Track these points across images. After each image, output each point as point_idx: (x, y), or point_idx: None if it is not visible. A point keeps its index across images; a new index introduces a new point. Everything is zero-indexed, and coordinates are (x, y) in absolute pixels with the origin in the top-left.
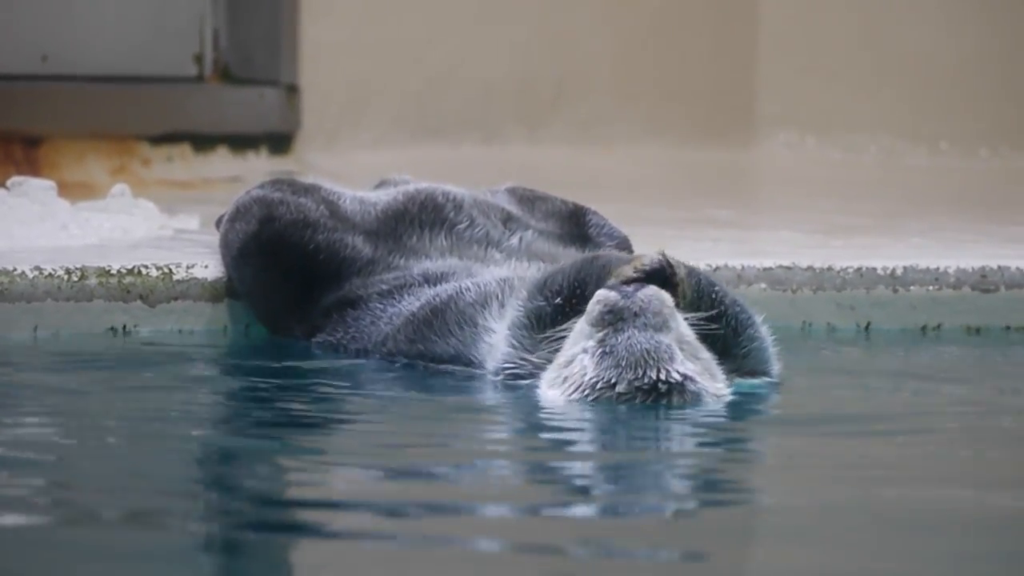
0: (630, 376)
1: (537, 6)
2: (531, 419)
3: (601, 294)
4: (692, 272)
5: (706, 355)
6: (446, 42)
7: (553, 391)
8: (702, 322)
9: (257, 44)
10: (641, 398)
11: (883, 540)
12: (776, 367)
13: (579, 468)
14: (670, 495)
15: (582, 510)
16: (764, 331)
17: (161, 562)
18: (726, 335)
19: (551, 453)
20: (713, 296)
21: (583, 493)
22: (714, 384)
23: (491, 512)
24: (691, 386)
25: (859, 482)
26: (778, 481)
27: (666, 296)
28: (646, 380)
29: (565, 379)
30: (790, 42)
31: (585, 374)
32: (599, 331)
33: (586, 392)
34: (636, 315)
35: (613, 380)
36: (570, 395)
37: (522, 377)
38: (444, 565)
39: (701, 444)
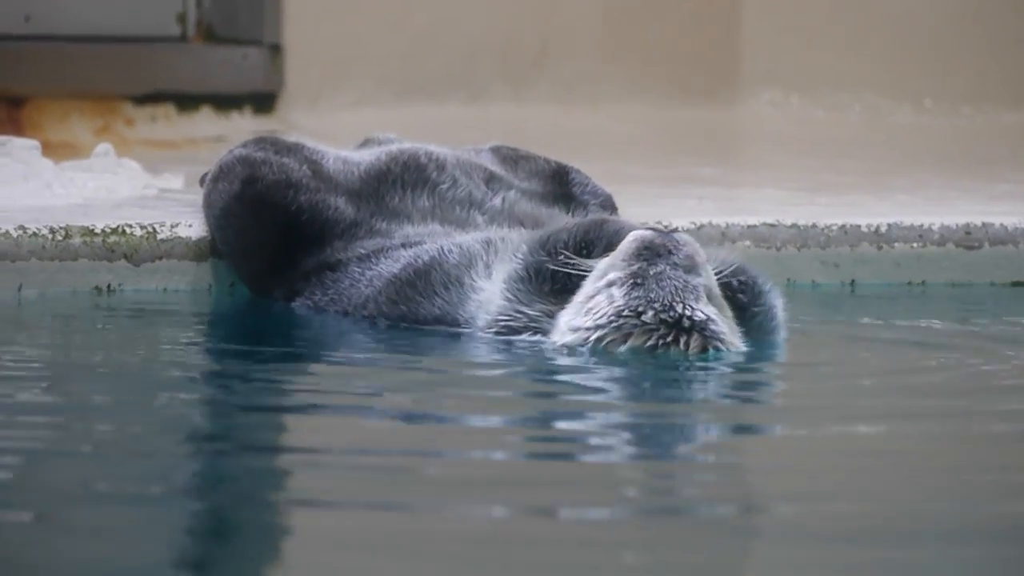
0: (657, 307)
1: None
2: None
3: (636, 233)
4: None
5: (728, 313)
6: (430, 1)
7: (575, 322)
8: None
9: (240, 4)
10: (663, 332)
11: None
12: (783, 335)
13: (591, 419)
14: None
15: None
16: (777, 299)
17: (145, 521)
18: (742, 302)
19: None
20: (751, 284)
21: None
22: (731, 334)
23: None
24: (711, 326)
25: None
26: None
27: (698, 246)
28: (672, 313)
29: (590, 310)
30: (774, 1)
31: (613, 302)
32: (632, 265)
33: (611, 319)
34: (671, 253)
35: (641, 308)
36: (595, 322)
37: (516, 331)
38: (439, 533)
39: (706, 398)
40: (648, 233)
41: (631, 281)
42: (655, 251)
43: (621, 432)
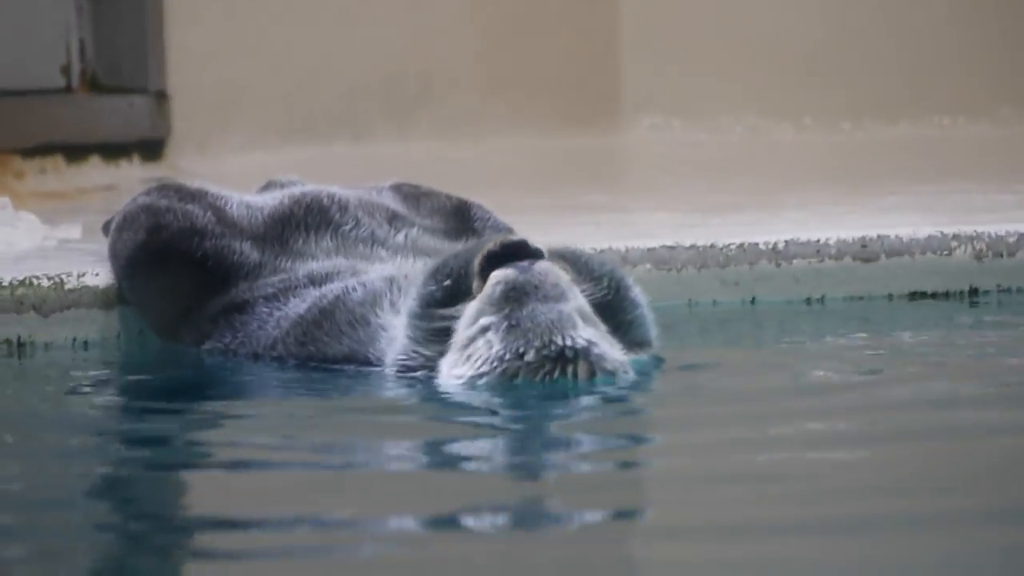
0: (537, 344)
1: (400, 3)
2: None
3: (499, 274)
4: (564, 249)
5: (602, 326)
6: (311, 42)
7: (457, 370)
8: (589, 291)
9: (124, 52)
10: (549, 367)
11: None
12: (656, 335)
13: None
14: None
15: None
16: (642, 297)
17: None
18: (611, 302)
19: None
20: (590, 265)
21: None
22: (613, 351)
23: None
24: (595, 350)
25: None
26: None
27: (560, 270)
28: (553, 348)
29: (469, 357)
30: (650, 27)
31: (491, 347)
32: (502, 309)
33: (494, 364)
34: (536, 287)
35: (521, 350)
36: (477, 370)
37: (413, 370)
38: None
39: (609, 424)
40: (510, 273)
41: (505, 324)
42: (522, 290)
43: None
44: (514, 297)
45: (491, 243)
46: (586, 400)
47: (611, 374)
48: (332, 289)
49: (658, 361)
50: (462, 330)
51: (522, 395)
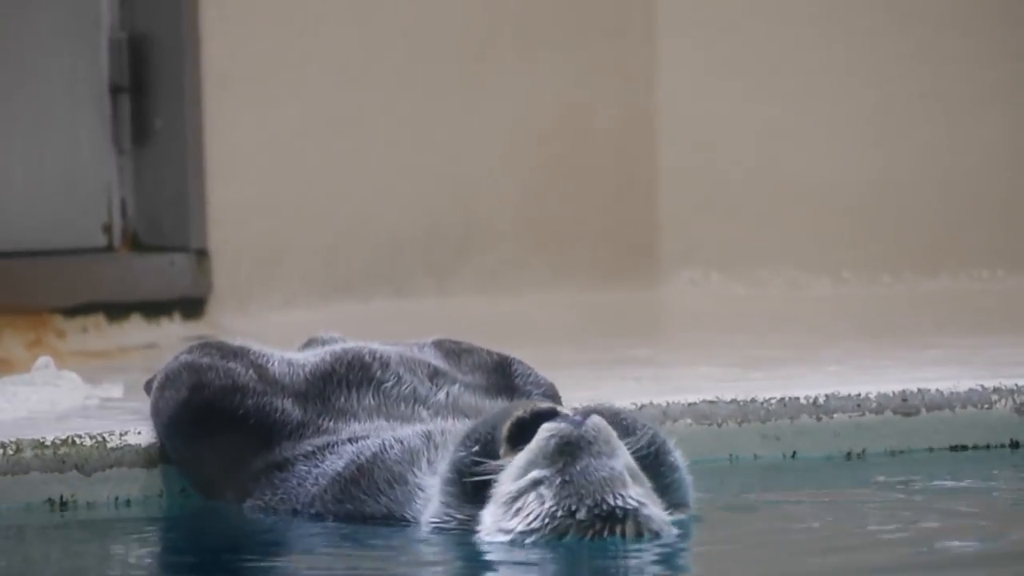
0: (589, 503)
1: (439, 157)
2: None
3: (552, 427)
4: (599, 408)
5: (647, 483)
6: (351, 198)
7: (504, 524)
8: (630, 448)
9: (165, 211)
10: (599, 526)
11: None
12: (693, 497)
13: None
14: None
15: None
16: (681, 460)
17: None
18: (650, 464)
19: None
20: (630, 424)
21: None
22: (659, 511)
23: None
24: (644, 511)
25: None
26: None
27: (607, 424)
28: (605, 507)
29: (518, 511)
30: (689, 180)
31: (544, 503)
32: (555, 464)
33: (545, 521)
34: (590, 443)
35: (574, 507)
36: (528, 526)
37: (447, 531)
38: None
39: None
40: (564, 427)
41: (558, 480)
42: (576, 444)
43: None
44: (568, 451)
45: (520, 410)
46: (634, 559)
47: (656, 535)
48: (369, 446)
49: (698, 519)
50: (508, 482)
51: (570, 555)
